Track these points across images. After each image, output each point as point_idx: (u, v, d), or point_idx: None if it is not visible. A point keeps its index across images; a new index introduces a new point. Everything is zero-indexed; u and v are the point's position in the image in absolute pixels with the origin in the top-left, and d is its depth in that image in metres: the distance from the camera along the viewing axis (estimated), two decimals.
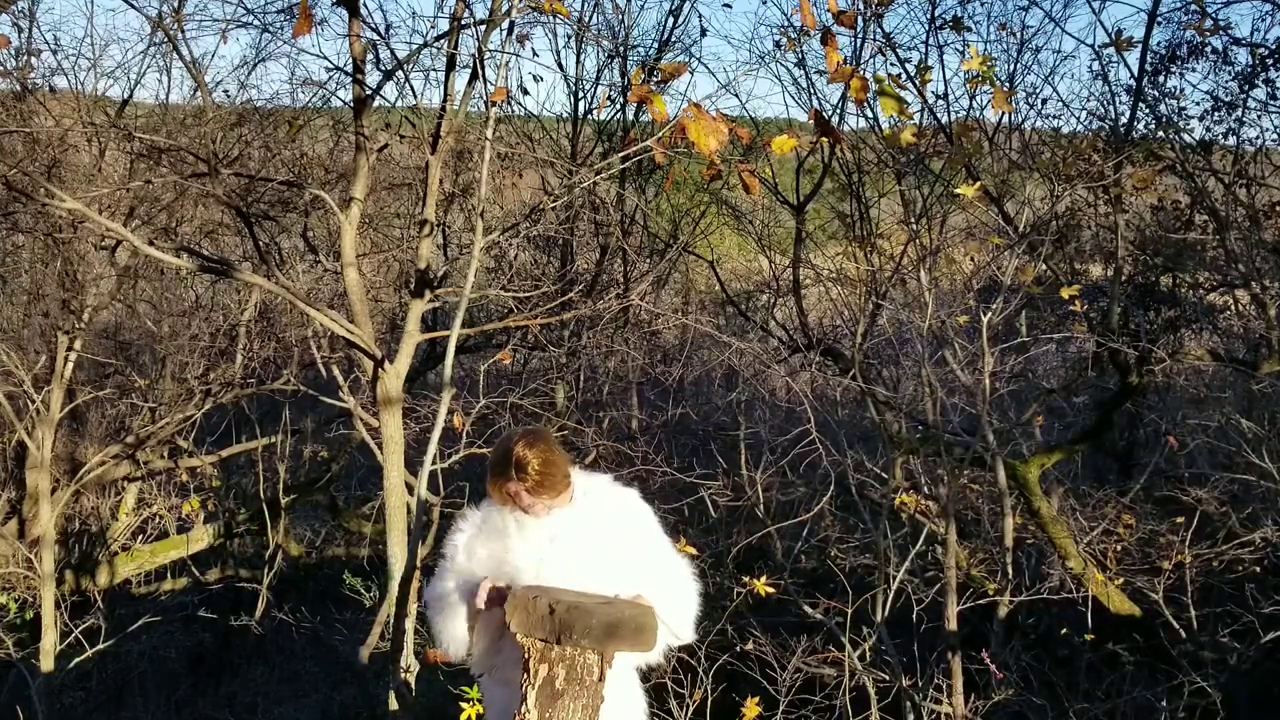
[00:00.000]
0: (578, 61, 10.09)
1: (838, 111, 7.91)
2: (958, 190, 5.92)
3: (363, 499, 10.38)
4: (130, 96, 9.14)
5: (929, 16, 7.25)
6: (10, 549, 7.54)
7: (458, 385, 7.81)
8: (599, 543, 2.87)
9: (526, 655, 2.57)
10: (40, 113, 7.38)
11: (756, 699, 5.23)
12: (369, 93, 4.98)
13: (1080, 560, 6.82)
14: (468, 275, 4.26)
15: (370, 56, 5.10)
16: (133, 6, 7.54)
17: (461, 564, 2.90)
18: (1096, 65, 8.36)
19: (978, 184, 6.21)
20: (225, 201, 7.08)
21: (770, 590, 5.54)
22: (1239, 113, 7.02)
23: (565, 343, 9.19)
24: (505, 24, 4.68)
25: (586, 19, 9.26)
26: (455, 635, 2.89)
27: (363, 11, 4.76)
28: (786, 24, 9.72)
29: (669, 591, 2.91)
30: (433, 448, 4.32)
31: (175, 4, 8.10)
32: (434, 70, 7.90)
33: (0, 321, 8.13)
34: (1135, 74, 6.88)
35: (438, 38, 5.04)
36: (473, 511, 3.00)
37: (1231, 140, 7.14)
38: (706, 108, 3.45)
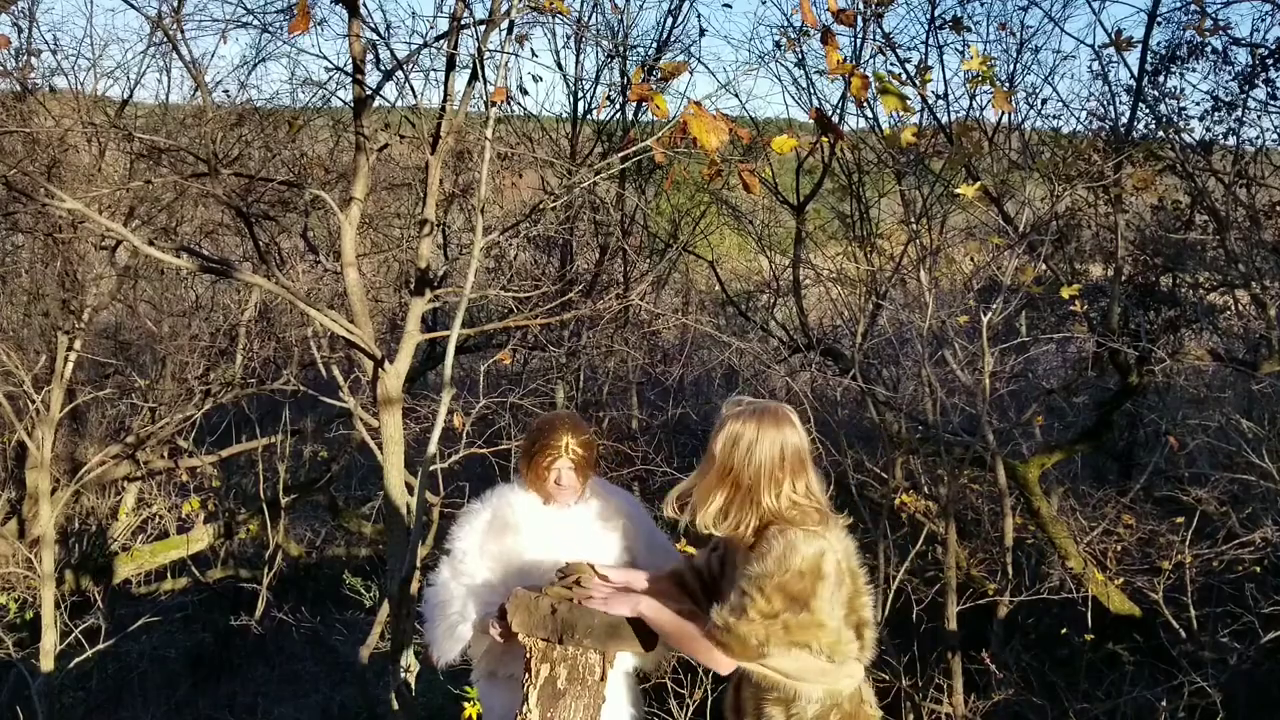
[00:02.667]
0: (577, 61, 10.09)
1: (838, 111, 7.91)
2: (958, 190, 5.92)
3: (363, 499, 10.38)
4: (130, 96, 9.13)
5: (929, 16, 7.25)
6: (10, 549, 7.54)
7: (458, 385, 7.81)
8: (610, 541, 2.90)
9: (528, 655, 2.57)
10: (40, 113, 7.37)
11: None
12: (369, 93, 4.98)
13: (1080, 560, 6.82)
14: (468, 275, 4.27)
15: (370, 56, 5.10)
16: (133, 6, 7.54)
17: (471, 567, 2.87)
18: (1096, 65, 8.35)
19: (978, 184, 6.21)
20: (225, 201, 7.08)
21: None
22: (1239, 113, 7.02)
23: (565, 343, 9.18)
24: (505, 24, 4.68)
25: (586, 19, 9.27)
26: (449, 651, 2.89)
27: (362, 11, 4.76)
28: (786, 24, 9.74)
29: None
30: (433, 448, 4.33)
31: (175, 4, 8.10)
32: (434, 70, 7.92)
33: (0, 321, 8.12)
34: (1135, 74, 6.89)
35: (438, 38, 5.04)
36: (478, 506, 2.97)
37: (1231, 140, 7.14)
38: (706, 107, 3.46)
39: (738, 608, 2.35)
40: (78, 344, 7.71)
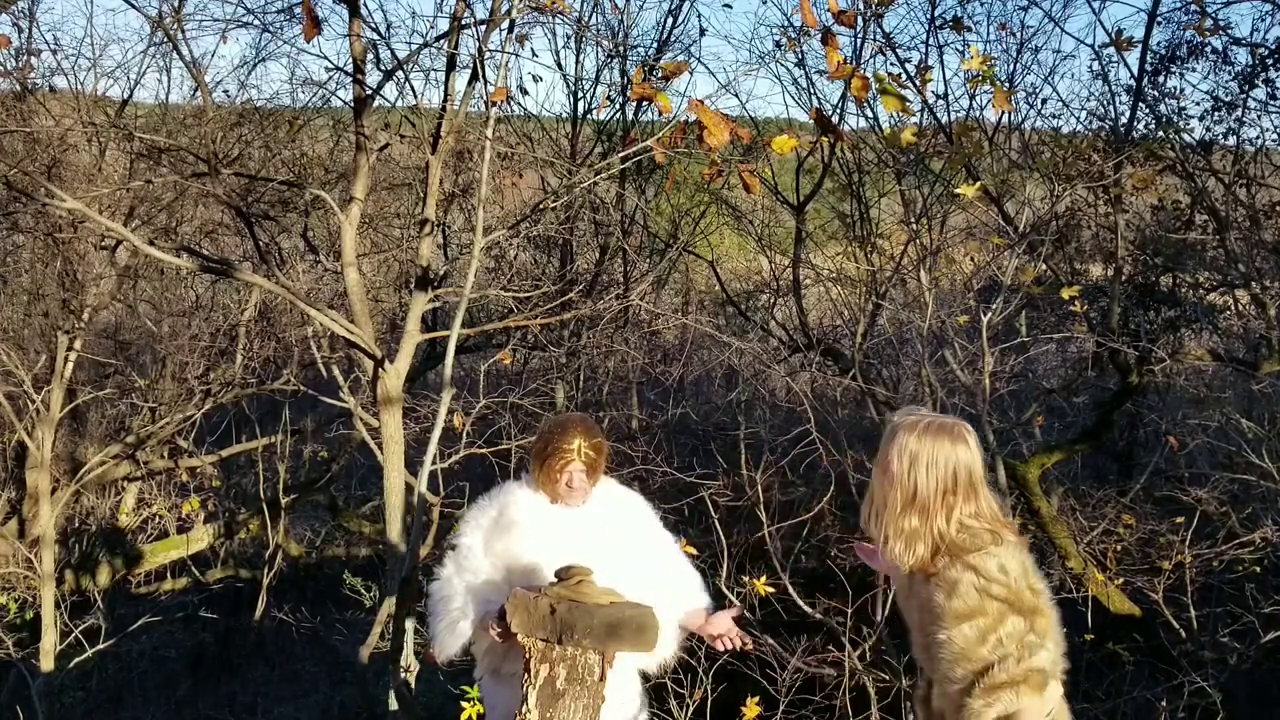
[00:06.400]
0: (577, 61, 10.09)
1: (838, 111, 7.91)
2: (958, 190, 5.92)
3: (363, 499, 10.38)
4: (130, 96, 9.12)
5: (929, 16, 7.26)
6: (10, 549, 7.54)
7: (458, 385, 7.81)
8: (615, 540, 2.90)
9: (527, 655, 2.57)
10: (40, 113, 7.37)
11: (756, 699, 5.22)
12: (369, 93, 4.98)
13: (1080, 560, 6.82)
14: (468, 275, 4.27)
15: (370, 56, 5.10)
16: (133, 6, 7.52)
17: (475, 563, 2.87)
18: (1096, 65, 8.36)
19: (978, 184, 6.21)
20: (225, 201, 7.08)
21: (770, 590, 5.53)
22: (1239, 113, 7.02)
23: (565, 343, 9.18)
24: (505, 24, 4.69)
25: (586, 19, 9.26)
26: (450, 646, 2.89)
27: (363, 11, 4.76)
28: (786, 24, 9.74)
29: (687, 572, 2.98)
30: (433, 448, 4.33)
31: (175, 4, 8.09)
32: (434, 70, 7.91)
33: (0, 321, 8.12)
34: (1135, 74, 6.89)
35: (438, 38, 5.05)
36: (485, 502, 2.97)
37: (1231, 140, 7.14)
38: (707, 106, 3.46)
39: (966, 658, 2.27)
40: (78, 344, 7.70)
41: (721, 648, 2.95)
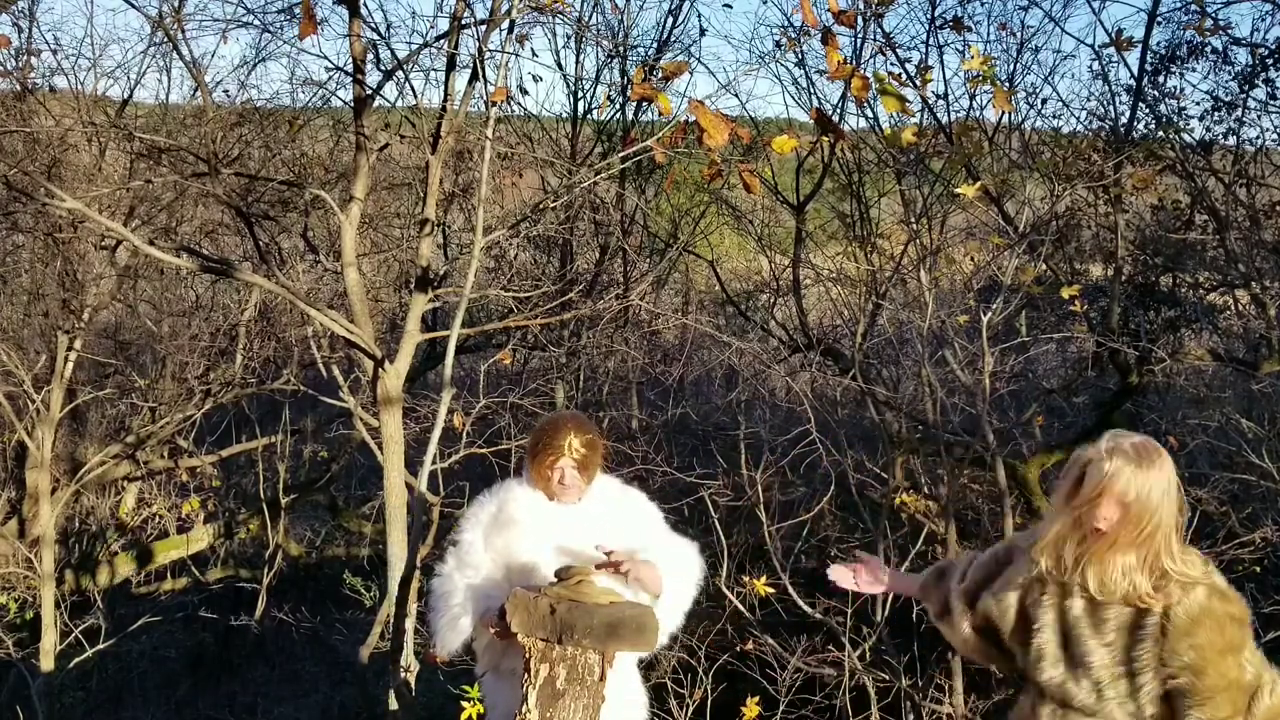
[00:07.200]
0: (577, 61, 10.08)
1: (838, 111, 7.91)
2: (958, 190, 5.93)
3: (363, 499, 10.38)
4: (130, 96, 9.13)
5: (929, 16, 7.27)
6: (10, 549, 7.54)
7: (458, 385, 7.81)
8: (615, 538, 2.89)
9: (527, 655, 2.57)
10: (40, 113, 7.37)
11: (756, 699, 5.23)
12: (369, 93, 4.98)
13: None
14: (468, 275, 4.26)
15: (370, 56, 5.10)
16: (133, 6, 7.53)
17: (475, 559, 2.88)
18: (1096, 65, 8.35)
19: (978, 184, 6.21)
20: (225, 201, 7.08)
21: (770, 590, 5.54)
22: (1239, 113, 7.03)
23: (565, 343, 9.18)
24: (505, 24, 4.69)
25: (586, 19, 9.26)
26: (451, 642, 2.89)
27: (363, 11, 4.76)
28: (786, 24, 9.73)
29: (676, 565, 2.93)
30: (433, 448, 4.33)
31: (175, 4, 8.09)
32: (434, 70, 7.91)
33: (0, 321, 8.12)
34: (1135, 74, 6.90)
35: (438, 38, 5.05)
36: (485, 499, 2.98)
37: (1231, 140, 7.14)
38: (707, 107, 3.46)
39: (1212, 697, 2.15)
40: (78, 344, 7.71)
41: (623, 572, 2.75)
